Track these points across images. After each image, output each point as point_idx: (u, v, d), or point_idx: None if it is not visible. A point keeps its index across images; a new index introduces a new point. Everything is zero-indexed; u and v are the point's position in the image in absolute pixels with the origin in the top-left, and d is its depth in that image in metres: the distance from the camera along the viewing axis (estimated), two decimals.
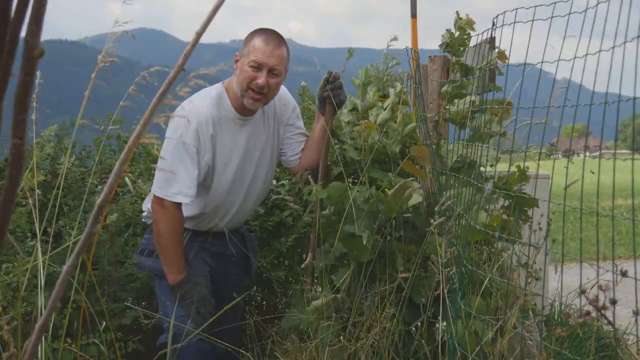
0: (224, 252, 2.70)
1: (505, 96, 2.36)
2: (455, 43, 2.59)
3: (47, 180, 2.63)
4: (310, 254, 2.60)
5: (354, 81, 2.76)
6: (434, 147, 2.59)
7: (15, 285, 1.77)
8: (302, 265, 2.62)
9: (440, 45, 2.64)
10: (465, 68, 2.60)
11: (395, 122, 2.66)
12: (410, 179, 2.48)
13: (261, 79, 2.44)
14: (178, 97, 0.68)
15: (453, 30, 2.61)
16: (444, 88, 2.68)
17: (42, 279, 1.67)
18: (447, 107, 2.66)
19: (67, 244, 1.87)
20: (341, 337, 2.36)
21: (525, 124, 2.11)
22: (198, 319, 2.46)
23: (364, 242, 2.38)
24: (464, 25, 2.58)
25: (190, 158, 2.44)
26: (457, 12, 2.63)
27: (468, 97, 2.55)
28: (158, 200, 2.46)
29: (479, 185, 2.21)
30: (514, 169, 2.49)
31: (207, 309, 2.49)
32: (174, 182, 2.43)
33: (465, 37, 2.60)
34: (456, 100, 2.60)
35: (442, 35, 2.65)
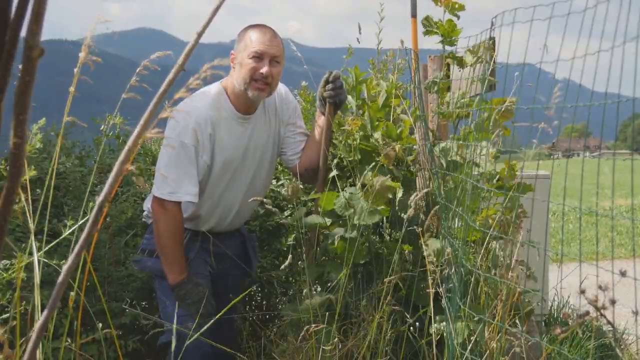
0: (224, 253, 2.70)
1: (505, 96, 2.36)
2: (443, 31, 2.56)
3: (40, 176, 2.61)
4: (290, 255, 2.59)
5: (347, 80, 2.76)
6: (430, 146, 2.59)
7: (14, 283, 1.77)
8: (282, 267, 2.61)
9: (427, 33, 2.58)
10: (459, 61, 2.59)
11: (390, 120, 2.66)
12: (388, 176, 2.48)
13: (264, 68, 2.45)
14: (189, 90, 0.68)
15: (440, 19, 2.56)
16: (433, 86, 2.66)
17: (38, 277, 1.67)
18: (440, 102, 2.66)
19: (60, 238, 1.86)
20: (338, 337, 2.36)
21: (522, 124, 2.11)
22: (199, 320, 2.46)
23: (356, 244, 2.39)
24: (451, 10, 2.53)
25: (189, 158, 2.44)
26: None
27: (458, 92, 2.55)
28: (157, 201, 2.46)
29: (474, 183, 2.21)
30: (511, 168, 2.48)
31: (208, 310, 2.49)
32: (172, 182, 2.43)
33: (457, 16, 2.54)
34: (449, 95, 2.59)
35: (422, 23, 2.59)
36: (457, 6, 2.51)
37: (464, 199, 2.22)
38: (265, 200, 2.48)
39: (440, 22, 2.53)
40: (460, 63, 2.57)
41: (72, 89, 1.68)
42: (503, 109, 2.35)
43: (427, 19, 2.57)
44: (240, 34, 2.54)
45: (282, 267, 2.60)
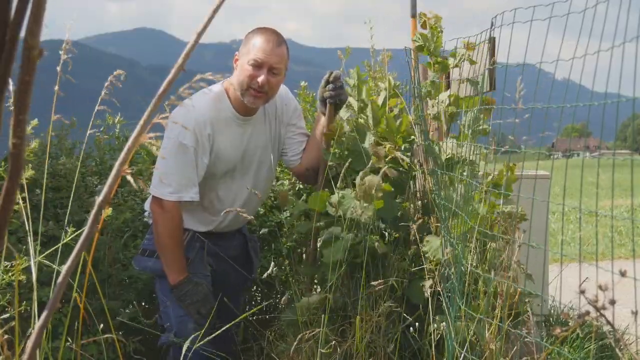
0: (225, 253, 2.69)
1: (505, 96, 2.36)
2: (430, 44, 2.60)
3: (36, 177, 2.62)
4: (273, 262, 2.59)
5: (348, 81, 2.76)
6: (427, 146, 2.59)
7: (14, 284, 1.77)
8: (264, 275, 2.62)
9: (418, 48, 2.64)
10: (443, 65, 2.61)
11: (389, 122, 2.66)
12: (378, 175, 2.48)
13: (261, 78, 2.43)
14: (179, 98, 0.68)
15: (425, 32, 2.62)
16: (424, 90, 2.68)
17: (35, 279, 1.67)
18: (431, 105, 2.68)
19: (59, 244, 1.87)
20: (334, 338, 2.36)
21: (510, 121, 2.11)
22: (199, 320, 2.46)
23: (342, 243, 2.39)
24: (434, 25, 2.59)
25: (188, 158, 2.44)
26: (420, 13, 2.64)
27: (446, 94, 2.56)
28: (156, 201, 2.46)
29: (472, 181, 2.21)
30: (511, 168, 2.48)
31: (207, 310, 2.49)
32: (172, 182, 2.43)
33: (439, 32, 2.60)
34: (440, 97, 2.61)
35: (414, 40, 2.66)
36: (439, 26, 2.61)
37: (465, 198, 2.22)
38: (248, 217, 2.48)
39: (425, 34, 2.59)
40: (446, 69, 2.61)
41: (56, 87, 1.68)
42: (484, 107, 2.36)
43: (418, 35, 2.62)
44: (246, 36, 2.53)
45: (265, 275, 2.60)
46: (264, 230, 3.20)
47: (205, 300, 2.50)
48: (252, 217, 2.55)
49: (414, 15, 3.12)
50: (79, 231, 1.88)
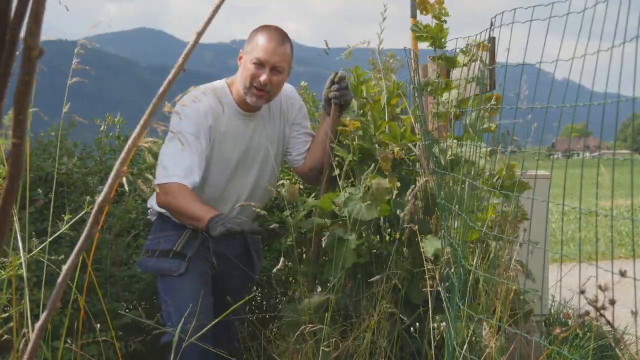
0: (226, 252, 2.68)
1: (504, 97, 2.36)
2: (433, 34, 2.57)
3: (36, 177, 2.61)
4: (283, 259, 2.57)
5: (350, 80, 2.76)
6: (429, 146, 2.59)
7: (14, 282, 1.77)
8: (274, 270, 2.62)
9: (419, 38, 2.60)
10: (449, 61, 2.60)
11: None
12: (386, 179, 2.48)
13: (264, 77, 2.44)
14: (175, 105, 0.68)
15: (429, 22, 2.58)
16: (428, 86, 2.67)
17: (26, 276, 1.68)
18: (435, 102, 2.66)
19: (53, 236, 1.87)
20: (336, 337, 2.36)
21: (514, 121, 2.10)
22: (199, 319, 2.46)
23: (351, 246, 2.38)
24: (438, 14, 2.55)
25: (189, 147, 2.44)
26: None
27: (454, 92, 2.55)
28: (162, 189, 2.43)
29: (473, 182, 2.21)
30: (514, 168, 2.48)
31: (207, 307, 2.49)
32: (175, 171, 2.40)
33: (443, 22, 2.56)
34: (445, 95, 2.60)
35: (413, 29, 2.61)
36: (443, 12, 2.54)
37: (463, 198, 2.22)
38: (256, 206, 2.48)
39: (428, 25, 2.56)
40: (451, 63, 2.59)
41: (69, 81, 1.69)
42: (489, 106, 2.36)
43: (416, 24, 2.59)
44: (250, 34, 2.53)
45: (275, 270, 2.60)
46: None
47: (205, 296, 2.49)
48: (262, 210, 2.55)
49: (413, 16, 3.11)
50: (72, 220, 1.88)
